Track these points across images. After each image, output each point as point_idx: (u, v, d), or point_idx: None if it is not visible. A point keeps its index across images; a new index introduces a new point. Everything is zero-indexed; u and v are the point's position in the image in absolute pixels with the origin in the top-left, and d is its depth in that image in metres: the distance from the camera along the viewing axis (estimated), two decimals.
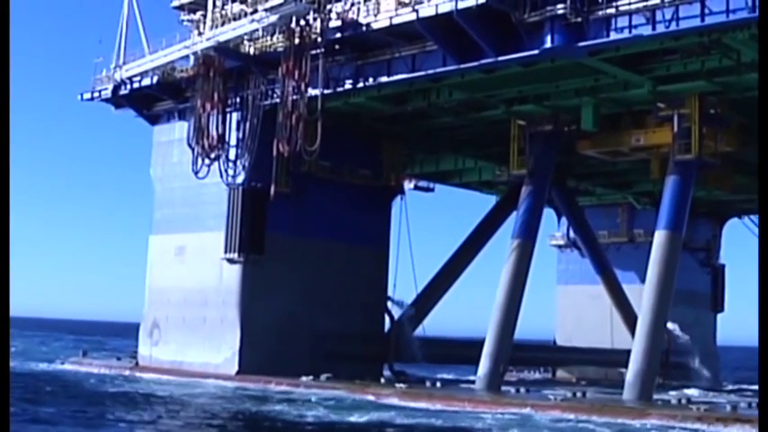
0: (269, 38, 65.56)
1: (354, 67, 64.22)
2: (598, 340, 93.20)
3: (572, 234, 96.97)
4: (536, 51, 55.55)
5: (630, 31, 52.74)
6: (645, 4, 51.51)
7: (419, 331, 77.88)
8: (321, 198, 71.85)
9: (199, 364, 70.02)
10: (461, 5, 54.89)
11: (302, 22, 62.72)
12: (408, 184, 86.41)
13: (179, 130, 74.49)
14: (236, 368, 67.48)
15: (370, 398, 59.07)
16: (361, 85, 64.29)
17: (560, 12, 53.46)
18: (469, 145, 79.56)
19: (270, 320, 68.63)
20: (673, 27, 51.36)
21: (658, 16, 51.70)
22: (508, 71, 60.68)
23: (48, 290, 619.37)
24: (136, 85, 75.36)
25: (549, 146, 68.10)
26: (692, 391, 75.38)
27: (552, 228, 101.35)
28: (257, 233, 68.46)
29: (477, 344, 68.14)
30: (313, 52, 62.63)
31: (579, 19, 53.40)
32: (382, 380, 69.94)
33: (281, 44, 64.41)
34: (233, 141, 69.67)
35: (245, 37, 66.52)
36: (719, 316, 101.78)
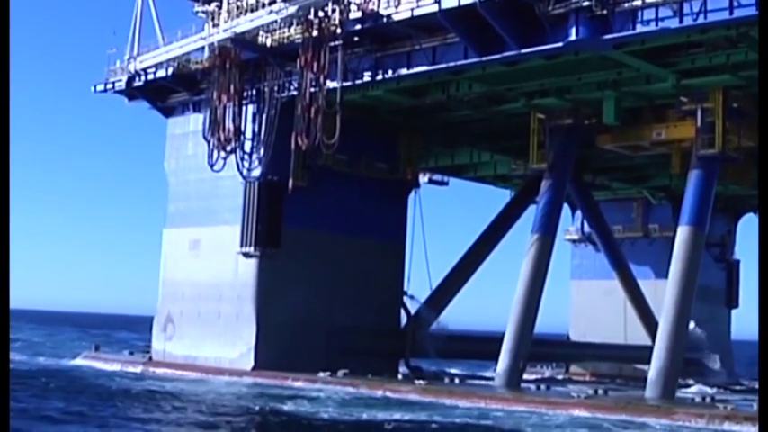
0: (286, 29, 64.70)
1: (373, 60, 63.44)
2: (612, 335, 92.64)
3: (586, 229, 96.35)
4: (560, 44, 54.71)
5: (657, 24, 51.90)
6: None
7: (437, 325, 77.11)
8: (337, 192, 71.15)
9: (213, 359, 69.43)
10: None
11: (321, 14, 61.96)
12: (422, 178, 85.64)
13: (194, 122, 73.79)
14: (251, 363, 66.78)
15: (390, 394, 58.48)
16: (380, 77, 63.51)
17: (585, 4, 52.59)
18: (486, 138, 78.85)
19: (286, 315, 67.95)
20: (700, 20, 50.53)
21: (686, 9, 50.86)
22: (530, 64, 59.98)
23: (55, 282, 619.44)
24: (150, 77, 74.68)
25: (569, 140, 67.39)
26: (706, 388, 75.02)
27: (566, 222, 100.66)
28: (273, 227, 67.77)
29: (493, 339, 67.59)
30: (331, 44, 61.86)
31: (605, 11, 52.52)
32: (399, 376, 69.31)
33: (298, 36, 63.57)
34: (249, 134, 68.93)
35: (262, 29, 65.76)
36: (734, 311, 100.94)
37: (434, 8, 56.60)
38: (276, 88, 67.40)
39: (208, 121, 69.14)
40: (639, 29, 52.59)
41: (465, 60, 59.28)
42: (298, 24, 63.45)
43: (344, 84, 62.99)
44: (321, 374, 63.80)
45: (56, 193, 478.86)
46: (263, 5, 64.87)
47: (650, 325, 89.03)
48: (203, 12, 72.47)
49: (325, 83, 62.14)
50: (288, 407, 51.06)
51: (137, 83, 75.60)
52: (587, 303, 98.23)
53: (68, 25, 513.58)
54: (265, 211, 67.54)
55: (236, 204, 68.67)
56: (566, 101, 65.52)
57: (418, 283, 76.68)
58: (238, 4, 67.98)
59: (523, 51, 56.26)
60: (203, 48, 69.54)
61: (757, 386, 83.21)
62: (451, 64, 60.20)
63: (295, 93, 64.91)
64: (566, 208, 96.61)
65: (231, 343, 68.71)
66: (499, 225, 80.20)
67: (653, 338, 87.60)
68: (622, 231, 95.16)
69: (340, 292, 70.81)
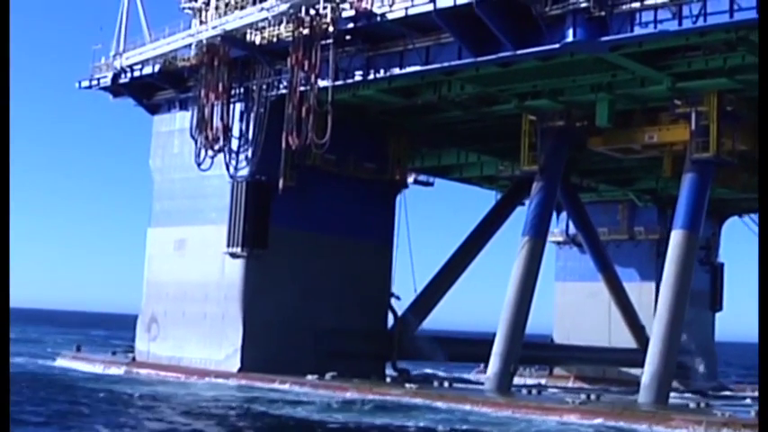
0: (276, 27, 63.85)
1: (365, 59, 62.66)
2: (596, 338, 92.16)
3: (571, 230, 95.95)
4: (557, 45, 54.02)
5: (656, 27, 51.34)
6: None
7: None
8: (325, 192, 70.38)
9: (199, 361, 68.50)
10: None
11: (312, 12, 61.13)
12: (408, 178, 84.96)
13: (180, 120, 72.92)
14: (238, 365, 65.93)
15: (378, 398, 57.66)
16: (371, 77, 62.74)
17: (583, 5, 51.98)
18: (475, 139, 78.13)
19: (273, 316, 67.12)
20: (700, 23, 50.03)
21: (685, 11, 50.35)
22: (525, 65, 59.44)
23: (34, 280, 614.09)
24: (136, 74, 73.63)
25: (560, 142, 66.84)
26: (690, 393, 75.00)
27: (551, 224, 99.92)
28: (261, 227, 66.93)
29: (481, 341, 67.08)
30: (323, 42, 61.04)
31: (603, 13, 51.93)
32: (388, 379, 68.64)
33: (288, 34, 62.74)
34: (236, 133, 68.04)
35: (251, 26, 64.85)
36: (717, 314, 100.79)
37: (430, 7, 55.84)
38: (265, 87, 66.59)
39: (195, 120, 68.22)
40: (638, 31, 51.98)
41: (459, 61, 58.61)
42: (288, 22, 62.59)
43: (336, 83, 62.18)
44: (309, 377, 62.92)
45: (37, 190, 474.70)
46: (253, 2, 64.01)
47: (635, 328, 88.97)
48: (190, 8, 71.61)
49: (316, 82, 61.31)
50: (276, 410, 50.36)
51: (122, 79, 74.51)
52: (571, 305, 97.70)
53: (53, 20, 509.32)
54: (253, 211, 66.67)
55: (222, 204, 67.80)
56: (558, 103, 64.90)
57: (406, 284, 76.25)
58: (227, 1, 67.13)
59: (519, 52, 55.59)
60: (191, 45, 68.46)
61: (740, 391, 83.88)
62: (445, 64, 59.50)
63: (284, 91, 64.15)
64: None
65: (217, 344, 67.82)
66: (486, 226, 79.67)
67: (638, 341, 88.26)
68: (608, 234, 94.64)
69: (327, 293, 69.99)
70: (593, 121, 64.65)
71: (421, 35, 59.40)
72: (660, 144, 64.83)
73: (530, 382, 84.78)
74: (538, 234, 65.24)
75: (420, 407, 53.95)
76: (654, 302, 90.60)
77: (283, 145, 62.56)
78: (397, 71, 61.67)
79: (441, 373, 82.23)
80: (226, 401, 54.37)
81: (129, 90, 75.83)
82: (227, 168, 67.53)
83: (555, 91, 64.16)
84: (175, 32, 69.51)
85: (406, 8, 57.42)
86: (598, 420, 49.06)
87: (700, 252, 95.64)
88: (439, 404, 54.83)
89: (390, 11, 58.33)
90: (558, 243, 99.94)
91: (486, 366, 62.47)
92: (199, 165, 68.11)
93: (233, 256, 67.20)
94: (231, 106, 67.93)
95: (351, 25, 60.49)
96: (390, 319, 74.82)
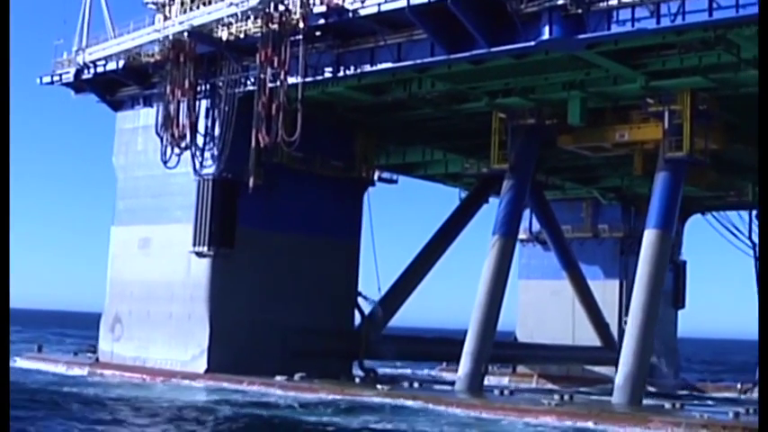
0: (243, 23, 62.75)
1: (335, 55, 61.64)
2: (560, 336, 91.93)
3: (534, 228, 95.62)
4: (532, 43, 53.51)
5: (633, 25, 50.92)
6: None
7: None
8: (292, 190, 69.44)
9: (164, 361, 67.34)
10: None
11: (281, 7, 60.11)
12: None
13: (144, 116, 71.65)
14: (204, 366, 64.86)
15: (349, 398, 56.91)
16: (341, 73, 61.77)
17: (560, 2, 51.49)
18: (443, 137, 77.41)
19: (240, 316, 66.14)
20: (678, 21, 49.59)
21: (663, 10, 49.89)
22: (498, 62, 58.83)
23: None
24: (100, 70, 72.06)
25: (530, 140, 66.46)
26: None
27: None
28: (228, 226, 65.91)
29: (448, 340, 66.49)
30: (292, 39, 60.05)
31: (579, 10, 51.42)
32: (357, 379, 67.90)
33: (256, 29, 61.67)
34: (202, 130, 66.88)
35: (219, 22, 63.71)
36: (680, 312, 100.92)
37: (403, 3, 54.99)
38: (232, 83, 65.46)
39: (161, 117, 67.00)
40: (615, 29, 51.53)
41: (432, 58, 57.82)
42: (257, 18, 61.50)
43: (305, 80, 61.20)
44: (278, 378, 61.96)
45: None
46: None
47: (599, 326, 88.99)
48: (153, 3, 70.19)
49: (285, 78, 60.32)
50: (246, 411, 49.48)
51: (85, 75, 72.93)
52: (535, 303, 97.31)
53: (13, 13, 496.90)
54: (219, 210, 65.66)
55: (188, 202, 66.66)
56: (529, 100, 64.51)
57: (372, 283, 75.52)
58: None
59: (494, 50, 54.96)
60: (157, 40, 67.18)
61: (707, 391, 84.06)
62: (418, 61, 58.70)
63: (251, 88, 63.24)
64: None
65: (183, 344, 66.70)
66: (452, 224, 79.04)
67: (602, 339, 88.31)
68: (572, 231, 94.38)
69: (295, 292, 69.09)
70: (563, 119, 64.35)
71: (393, 32, 58.49)
72: (631, 142, 64.67)
73: (493, 380, 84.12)
74: (508, 232, 64.78)
75: (394, 407, 53.35)
76: (618, 300, 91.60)
77: (253, 143, 61.51)
78: (368, 68, 60.73)
79: (407, 372, 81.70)
80: (193, 403, 53.37)
81: (91, 86, 74.32)
82: (194, 166, 66.40)
83: (526, 89, 63.73)
84: (140, 28, 68.23)
85: (379, 4, 56.51)
86: (576, 422, 48.67)
87: None
88: (412, 404, 54.29)
89: (362, 7, 57.43)
90: (522, 241, 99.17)
91: (449, 364, 62.25)
92: (165, 162, 66.90)
93: (199, 255, 66.12)
94: (197, 103, 66.79)
95: (321, 21, 59.55)
96: (357, 318, 74.06)
